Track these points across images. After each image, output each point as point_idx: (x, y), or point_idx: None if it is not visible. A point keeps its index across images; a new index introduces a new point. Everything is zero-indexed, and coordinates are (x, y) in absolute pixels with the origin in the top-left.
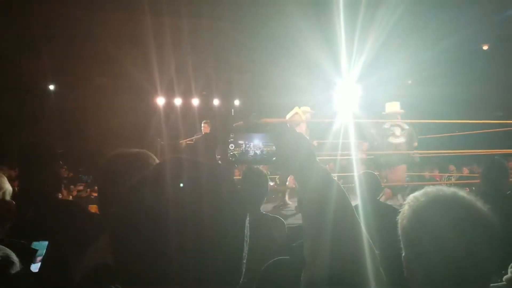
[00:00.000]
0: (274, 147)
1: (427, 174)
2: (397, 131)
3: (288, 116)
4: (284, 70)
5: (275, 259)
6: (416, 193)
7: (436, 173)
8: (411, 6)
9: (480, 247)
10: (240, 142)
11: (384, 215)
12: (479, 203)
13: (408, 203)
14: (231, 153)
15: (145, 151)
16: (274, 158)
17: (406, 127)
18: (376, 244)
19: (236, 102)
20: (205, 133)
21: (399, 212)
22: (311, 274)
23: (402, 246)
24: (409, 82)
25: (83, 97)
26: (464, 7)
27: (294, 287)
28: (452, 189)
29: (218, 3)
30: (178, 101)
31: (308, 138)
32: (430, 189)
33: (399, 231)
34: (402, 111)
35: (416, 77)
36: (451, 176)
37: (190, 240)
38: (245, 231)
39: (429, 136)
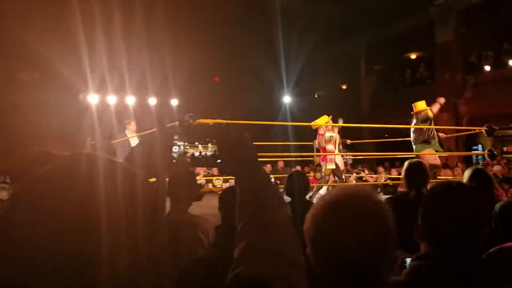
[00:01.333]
0: (215, 148)
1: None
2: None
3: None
4: (225, 72)
5: (194, 258)
6: (324, 194)
7: (366, 173)
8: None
9: (371, 246)
10: (180, 143)
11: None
12: (377, 202)
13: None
14: (180, 153)
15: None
16: (219, 161)
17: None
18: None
19: (174, 102)
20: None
21: None
22: (236, 274)
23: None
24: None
25: (3, 93)
26: (396, 16)
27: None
28: (356, 190)
29: None
30: (111, 99)
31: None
32: (334, 190)
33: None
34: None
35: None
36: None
37: (97, 240)
38: (162, 231)
39: (359, 141)
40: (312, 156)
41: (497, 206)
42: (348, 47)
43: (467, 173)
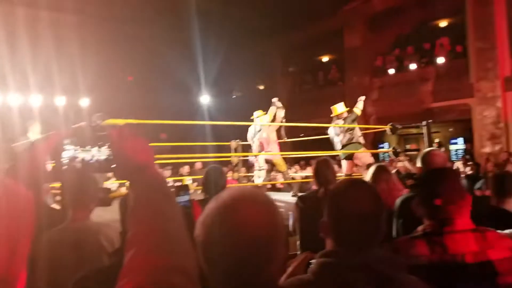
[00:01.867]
0: (109, 153)
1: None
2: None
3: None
4: (140, 71)
5: (90, 268)
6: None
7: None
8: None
9: (256, 249)
10: (70, 147)
11: None
12: (263, 203)
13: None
14: (70, 158)
15: None
16: (113, 166)
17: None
18: None
19: (85, 102)
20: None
21: None
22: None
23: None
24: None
25: None
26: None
27: None
28: (244, 192)
29: None
30: (14, 99)
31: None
32: (223, 192)
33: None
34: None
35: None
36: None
37: None
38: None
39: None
40: (230, 156)
41: (398, 200)
42: (265, 48)
43: (370, 170)
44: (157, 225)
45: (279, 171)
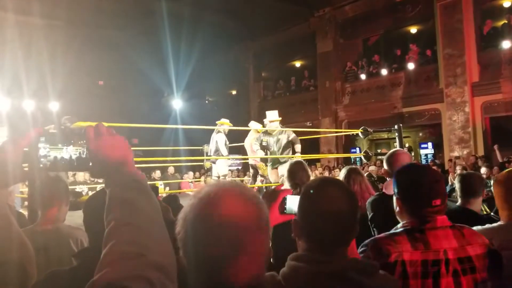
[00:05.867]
0: (81, 150)
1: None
2: None
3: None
4: (111, 76)
5: (52, 270)
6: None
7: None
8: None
9: (237, 245)
10: (44, 145)
11: None
12: (249, 197)
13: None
14: (41, 156)
15: None
16: (90, 164)
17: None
18: None
19: (55, 106)
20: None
21: None
22: (93, 281)
23: None
24: (233, 92)
25: None
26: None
27: None
28: (226, 186)
29: None
30: None
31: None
32: (205, 186)
33: None
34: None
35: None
36: None
37: None
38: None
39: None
40: (203, 161)
41: (369, 200)
42: (237, 54)
43: (342, 172)
44: (133, 222)
45: (263, 175)
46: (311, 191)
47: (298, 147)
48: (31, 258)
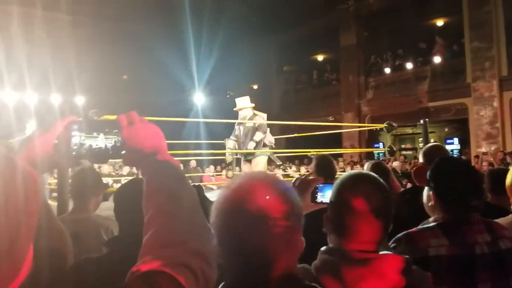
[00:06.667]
0: (119, 139)
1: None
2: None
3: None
4: (134, 70)
5: (84, 257)
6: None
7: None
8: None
9: (272, 236)
10: (77, 134)
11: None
12: (282, 189)
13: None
14: (78, 144)
15: None
16: (123, 152)
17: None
18: None
19: (80, 100)
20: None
21: None
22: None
23: None
24: (254, 87)
25: None
26: (302, 20)
27: (100, 284)
28: (260, 177)
29: None
30: (11, 96)
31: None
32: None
33: None
34: (253, 104)
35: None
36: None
37: None
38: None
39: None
40: (224, 154)
41: (394, 195)
42: (260, 48)
43: (366, 166)
44: (170, 209)
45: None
46: (344, 186)
47: (257, 136)
48: (69, 247)
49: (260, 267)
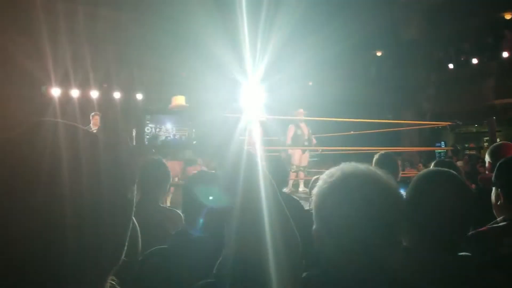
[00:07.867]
0: (193, 129)
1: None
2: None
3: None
4: (190, 67)
5: (153, 249)
6: (332, 169)
7: None
8: (310, 11)
9: (385, 219)
10: (151, 126)
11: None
12: (388, 178)
13: (322, 179)
14: (152, 135)
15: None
16: (194, 142)
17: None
18: None
19: (139, 96)
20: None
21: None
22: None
23: (314, 219)
24: (310, 83)
25: None
26: (360, 14)
27: (171, 275)
28: (364, 166)
29: None
30: (75, 93)
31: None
32: (345, 165)
33: (312, 206)
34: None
35: (317, 78)
36: None
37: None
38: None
39: (326, 134)
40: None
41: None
42: (316, 46)
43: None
44: (251, 203)
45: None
46: (422, 185)
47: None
48: (139, 237)
49: (372, 258)
